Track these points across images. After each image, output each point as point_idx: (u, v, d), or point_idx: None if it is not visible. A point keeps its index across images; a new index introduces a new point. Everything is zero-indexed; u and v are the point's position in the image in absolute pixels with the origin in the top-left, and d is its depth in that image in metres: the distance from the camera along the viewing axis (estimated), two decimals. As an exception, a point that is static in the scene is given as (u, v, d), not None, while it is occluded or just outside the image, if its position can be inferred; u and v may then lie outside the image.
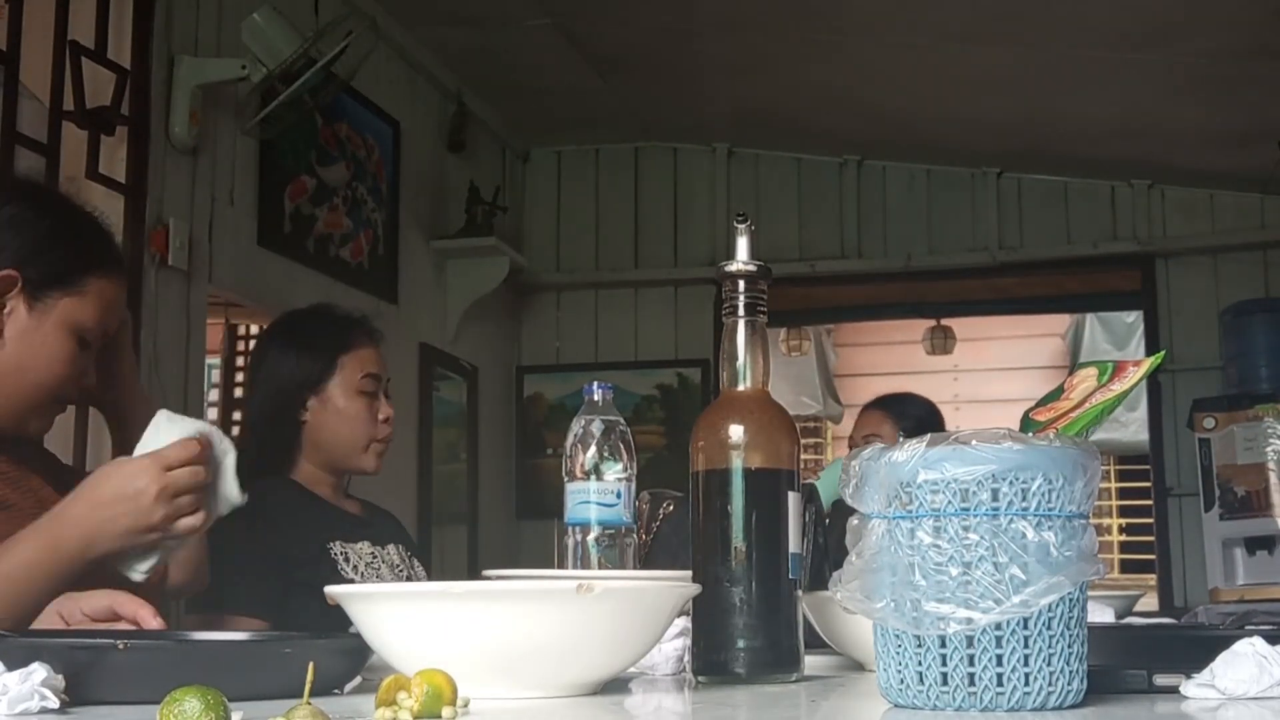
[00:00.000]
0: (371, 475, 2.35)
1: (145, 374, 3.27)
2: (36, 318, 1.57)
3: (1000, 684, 0.87)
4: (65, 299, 1.58)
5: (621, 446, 1.38)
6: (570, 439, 1.39)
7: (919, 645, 0.89)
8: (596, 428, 1.38)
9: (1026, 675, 0.88)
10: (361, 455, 2.31)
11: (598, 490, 1.36)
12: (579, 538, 1.37)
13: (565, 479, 1.39)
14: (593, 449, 1.37)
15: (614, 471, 1.37)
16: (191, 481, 1.44)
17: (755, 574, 1.19)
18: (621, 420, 1.40)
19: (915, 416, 3.39)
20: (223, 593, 2.01)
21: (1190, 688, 0.94)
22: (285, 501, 2.22)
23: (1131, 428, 7.22)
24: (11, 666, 0.87)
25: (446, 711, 0.84)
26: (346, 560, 2.19)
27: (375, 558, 2.25)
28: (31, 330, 1.57)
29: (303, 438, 2.29)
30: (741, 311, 1.25)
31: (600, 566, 1.36)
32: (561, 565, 1.39)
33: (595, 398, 1.41)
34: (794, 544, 1.21)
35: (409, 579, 2.27)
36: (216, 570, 1.88)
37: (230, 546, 1.94)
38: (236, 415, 6.31)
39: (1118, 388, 1.09)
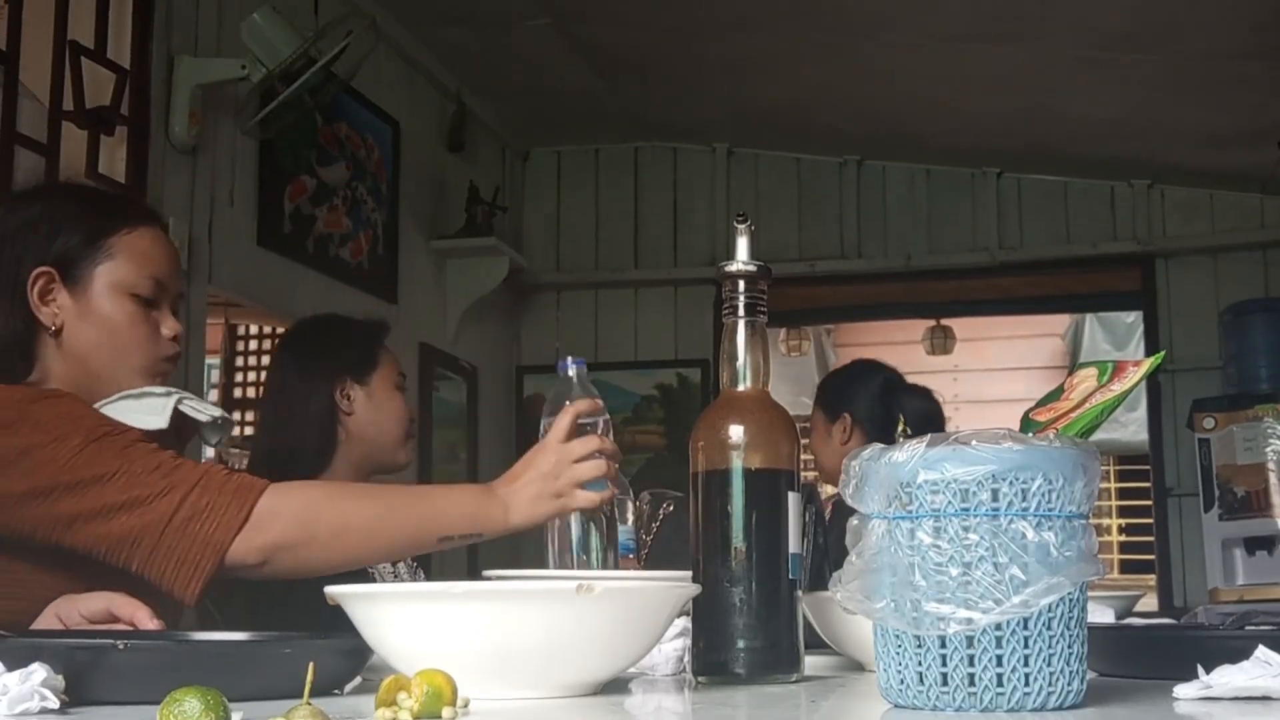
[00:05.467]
0: (403, 470, 2.40)
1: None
2: (79, 297, 1.59)
3: (1000, 684, 0.87)
4: (98, 268, 1.59)
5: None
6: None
7: (919, 645, 0.89)
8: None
9: (1026, 675, 0.88)
10: (401, 448, 2.35)
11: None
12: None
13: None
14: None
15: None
16: (588, 450, 1.50)
17: (755, 574, 1.19)
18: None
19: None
20: (272, 610, 1.92)
21: (1189, 689, 0.93)
22: None
23: (1131, 428, 7.22)
24: (11, 666, 0.87)
25: (446, 711, 0.84)
26: (378, 579, 2.19)
27: (395, 575, 2.28)
28: (84, 311, 1.58)
29: (342, 432, 2.29)
30: (741, 311, 1.25)
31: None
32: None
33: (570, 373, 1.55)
34: (794, 544, 1.21)
35: None
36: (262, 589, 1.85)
37: None
38: (235, 415, 6.32)
39: (1118, 388, 1.09)
